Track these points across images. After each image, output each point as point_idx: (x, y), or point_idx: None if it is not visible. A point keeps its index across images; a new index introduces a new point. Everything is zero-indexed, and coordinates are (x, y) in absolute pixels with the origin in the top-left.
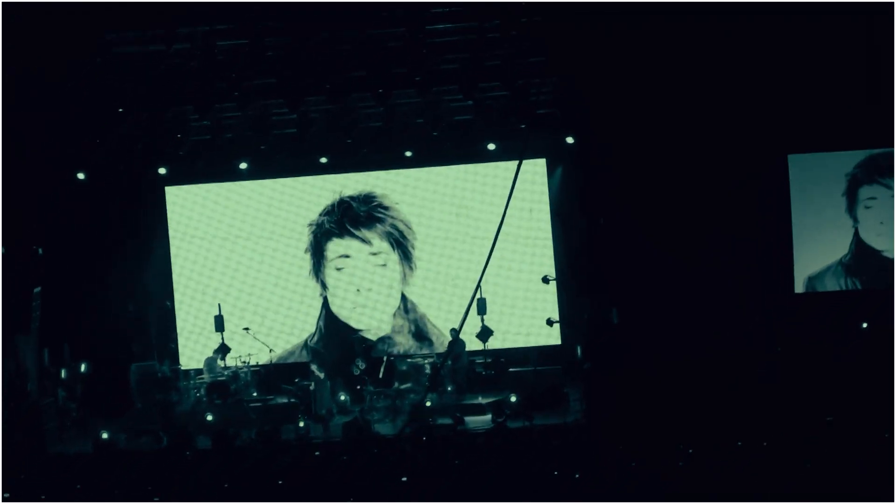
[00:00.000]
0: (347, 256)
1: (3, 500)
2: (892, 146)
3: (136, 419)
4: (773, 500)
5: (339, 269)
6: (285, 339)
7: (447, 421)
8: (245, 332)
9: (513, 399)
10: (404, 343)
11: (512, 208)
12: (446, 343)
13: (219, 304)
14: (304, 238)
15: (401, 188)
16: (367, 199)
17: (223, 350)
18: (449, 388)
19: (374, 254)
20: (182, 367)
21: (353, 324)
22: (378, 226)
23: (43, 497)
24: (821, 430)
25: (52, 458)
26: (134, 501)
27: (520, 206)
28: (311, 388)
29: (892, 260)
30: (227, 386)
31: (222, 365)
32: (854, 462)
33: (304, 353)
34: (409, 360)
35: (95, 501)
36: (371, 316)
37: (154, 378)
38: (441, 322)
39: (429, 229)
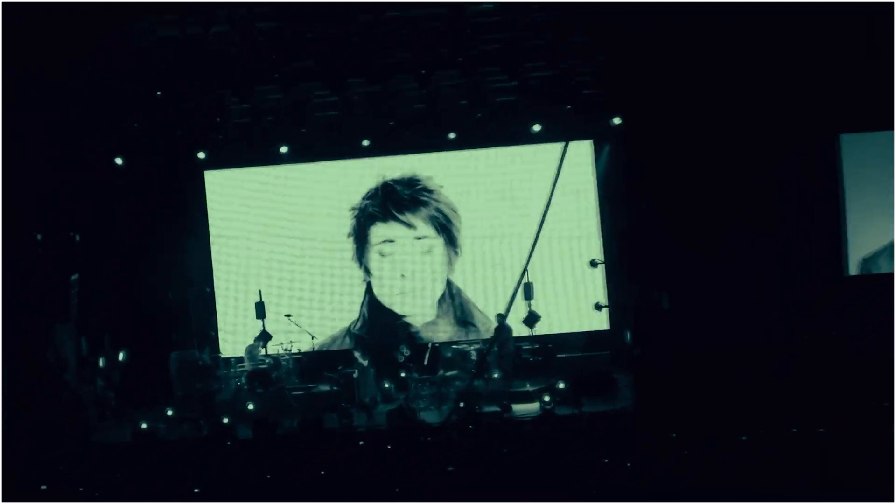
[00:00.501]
0: (391, 241)
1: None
2: None
3: (176, 408)
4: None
5: (382, 255)
6: (328, 326)
7: (494, 408)
8: (286, 318)
9: (561, 386)
10: (449, 329)
11: (558, 191)
12: (492, 329)
13: (259, 291)
14: (347, 222)
15: (445, 171)
16: (411, 183)
17: (264, 337)
18: (495, 375)
19: (419, 238)
20: (222, 355)
21: (398, 310)
22: (422, 209)
23: (81, 489)
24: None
25: (91, 448)
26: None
27: (566, 189)
28: (355, 375)
29: None
30: (268, 374)
31: (263, 353)
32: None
33: (347, 339)
34: (454, 346)
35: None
36: (415, 302)
37: (194, 366)
38: (487, 307)
39: (474, 213)
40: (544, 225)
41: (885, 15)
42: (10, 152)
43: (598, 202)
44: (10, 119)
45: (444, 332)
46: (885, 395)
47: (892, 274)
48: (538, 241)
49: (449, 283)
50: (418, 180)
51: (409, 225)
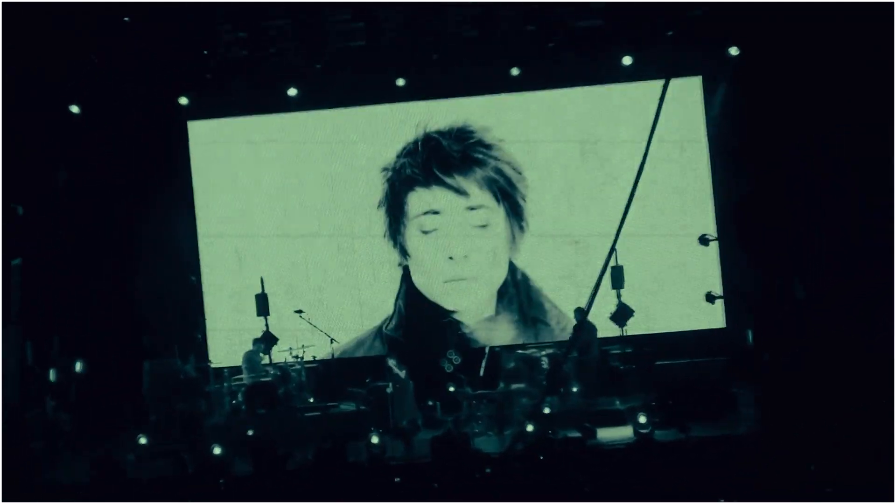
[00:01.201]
0: (436, 213)
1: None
2: None
3: (151, 436)
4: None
5: (425, 232)
6: (352, 326)
7: (573, 434)
8: (298, 316)
9: (661, 403)
10: (513, 329)
11: (656, 145)
12: (570, 329)
13: (261, 279)
14: (377, 188)
15: (506, 120)
16: (462, 135)
17: (268, 341)
18: (574, 389)
19: (473, 209)
20: (212, 365)
21: (445, 304)
22: (477, 170)
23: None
24: None
25: (38, 489)
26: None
27: (667, 142)
28: (389, 391)
29: None
30: (273, 389)
31: (267, 361)
32: None
33: (378, 343)
34: (519, 351)
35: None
36: (468, 293)
37: (175, 380)
38: (562, 300)
39: (544, 175)
40: (638, 189)
41: None
42: None
43: (709, 160)
44: None
45: (507, 332)
46: None
47: None
48: (630, 212)
49: (512, 268)
50: (471, 132)
51: (459, 191)
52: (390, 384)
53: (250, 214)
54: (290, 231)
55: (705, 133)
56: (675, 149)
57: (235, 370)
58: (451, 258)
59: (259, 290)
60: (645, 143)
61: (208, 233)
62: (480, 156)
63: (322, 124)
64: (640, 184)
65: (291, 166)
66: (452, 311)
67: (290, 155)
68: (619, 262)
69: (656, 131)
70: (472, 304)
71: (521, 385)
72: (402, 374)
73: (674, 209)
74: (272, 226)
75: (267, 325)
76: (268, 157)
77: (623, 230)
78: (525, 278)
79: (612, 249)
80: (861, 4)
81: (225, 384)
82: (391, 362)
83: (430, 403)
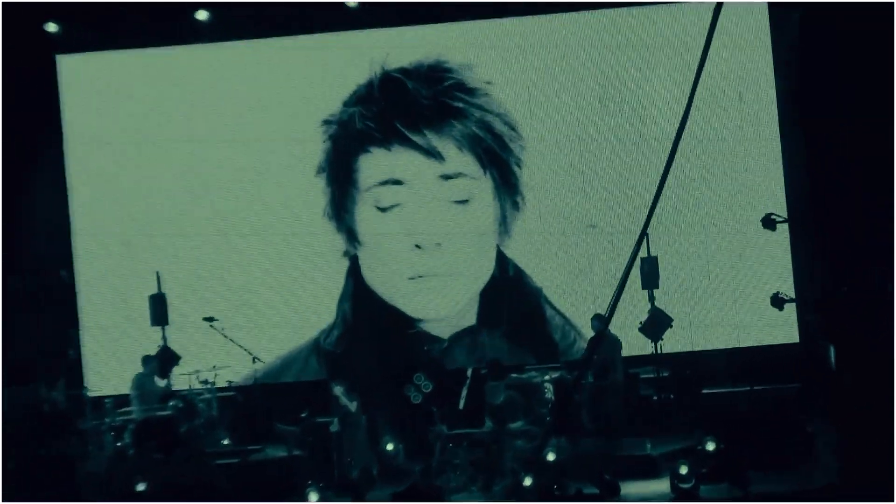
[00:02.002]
0: (398, 183)
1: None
2: None
3: (5, 487)
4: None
5: (382, 209)
6: (281, 339)
7: (588, 489)
8: (207, 325)
9: (710, 447)
10: (504, 345)
11: (704, 91)
12: (583, 344)
13: (157, 274)
14: (316, 148)
15: (495, 54)
16: (435, 76)
17: (166, 360)
18: (590, 428)
19: (449, 177)
20: (89, 393)
21: (409, 309)
22: (455, 125)
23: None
24: None
25: None
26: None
27: (718, 88)
28: (333, 429)
29: None
30: (173, 426)
31: (165, 387)
32: None
33: (315, 362)
34: (513, 375)
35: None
36: (442, 294)
37: (37, 412)
38: (573, 305)
39: (549, 132)
40: (679, 153)
41: None
42: None
43: (778, 113)
44: None
45: (495, 349)
46: None
47: None
48: (667, 183)
49: (502, 261)
50: (447, 71)
51: (430, 153)
52: (335, 420)
53: (142, 184)
54: (197, 209)
55: (773, 77)
56: (731, 97)
57: (122, 400)
58: (417, 246)
59: (154, 290)
60: (689, 90)
61: (84, 209)
62: (460, 104)
63: (241, 60)
64: (681, 145)
65: (199, 118)
66: (419, 320)
67: (198, 103)
68: (652, 253)
69: (705, 72)
70: (448, 309)
71: (517, 422)
72: (353, 405)
73: (727, 179)
74: (172, 201)
75: (165, 339)
76: (166, 105)
77: (658, 209)
78: (520, 274)
79: (643, 235)
80: None
81: (106, 419)
82: (337, 390)
83: (390, 447)
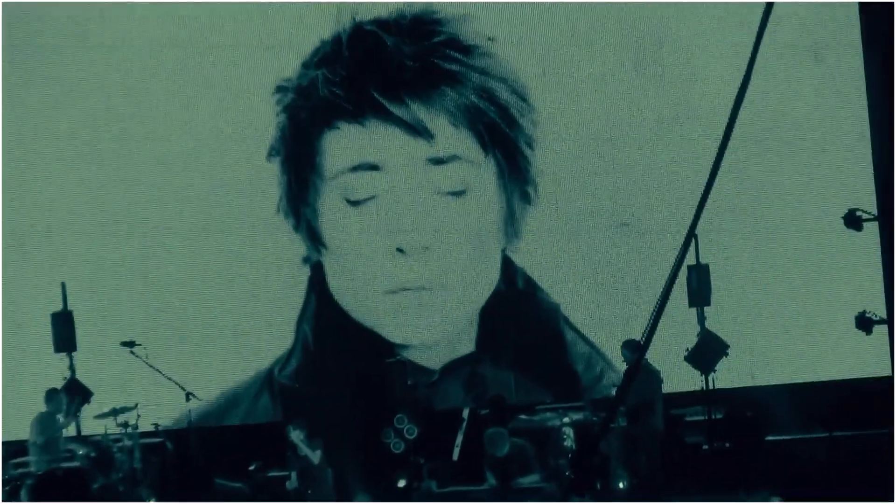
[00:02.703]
0: (375, 168)
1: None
2: None
3: None
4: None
5: (353, 202)
6: (224, 369)
7: None
8: (128, 351)
9: None
10: (510, 377)
11: (770, 54)
12: (612, 377)
13: (62, 286)
14: (268, 124)
15: (499, 4)
16: (421, 29)
17: (74, 395)
18: (621, 485)
19: (440, 162)
20: None
21: (388, 332)
22: (448, 94)
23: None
24: None
25: None
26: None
27: (789, 45)
28: (290, 485)
29: None
30: (83, 481)
31: (69, 430)
32: None
33: (268, 399)
34: (523, 417)
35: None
36: (430, 313)
37: None
38: (599, 327)
39: (569, 104)
40: (735, 131)
41: None
42: None
43: (865, 79)
44: None
45: (499, 383)
46: None
47: None
48: (720, 171)
49: (509, 270)
50: (437, 23)
51: (416, 129)
52: (292, 474)
53: (42, 171)
54: (113, 203)
55: (859, 32)
56: (806, 56)
57: (17, 447)
58: (399, 250)
59: (58, 307)
60: (748, 55)
61: None
62: (454, 66)
63: (177, 14)
64: (738, 122)
65: (118, 86)
66: (402, 346)
67: (117, 67)
68: (702, 260)
69: (771, 27)
70: (439, 332)
71: (528, 478)
72: (315, 456)
73: (799, 167)
74: (81, 192)
75: (72, 369)
76: (82, 76)
77: (709, 204)
78: (532, 288)
79: (690, 237)
80: None
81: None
82: (295, 436)
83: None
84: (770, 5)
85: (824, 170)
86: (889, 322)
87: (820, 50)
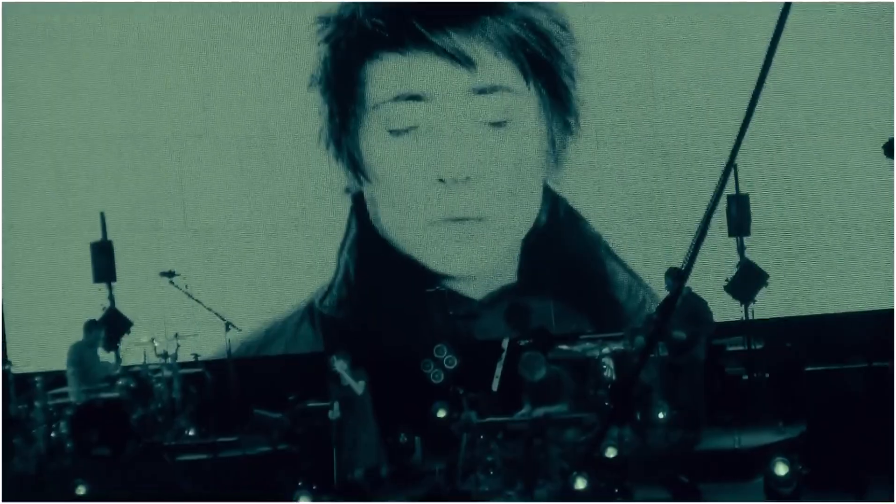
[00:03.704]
0: (417, 98)
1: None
2: None
3: None
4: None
5: (395, 132)
6: (263, 300)
7: (659, 495)
8: (167, 282)
9: (817, 441)
10: (550, 309)
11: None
12: (653, 307)
13: (101, 215)
14: (308, 54)
15: None
16: None
17: (113, 326)
18: (661, 416)
19: (483, 91)
20: (13, 369)
21: (431, 262)
22: (490, 23)
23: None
24: None
25: None
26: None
27: None
28: (332, 416)
29: None
30: (122, 412)
31: (112, 362)
32: None
33: (308, 330)
34: (562, 347)
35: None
36: (472, 243)
37: None
38: (640, 256)
39: (607, 31)
40: (777, 57)
41: None
42: None
43: None
44: None
45: (540, 314)
46: None
47: None
48: (761, 95)
49: (552, 200)
50: None
51: (458, 59)
52: (335, 404)
53: (80, 93)
54: (153, 130)
55: None
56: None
57: (56, 378)
58: (441, 180)
59: (97, 237)
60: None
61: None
62: None
63: None
64: (781, 43)
65: (157, 14)
66: (444, 276)
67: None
68: (742, 189)
69: None
70: (480, 263)
71: (564, 407)
72: (359, 386)
73: (840, 90)
74: (119, 119)
75: (112, 300)
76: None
77: (750, 132)
78: (573, 218)
79: (730, 166)
80: None
81: (36, 403)
82: (339, 366)
83: (404, 439)
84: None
85: (861, 100)
86: None
87: None
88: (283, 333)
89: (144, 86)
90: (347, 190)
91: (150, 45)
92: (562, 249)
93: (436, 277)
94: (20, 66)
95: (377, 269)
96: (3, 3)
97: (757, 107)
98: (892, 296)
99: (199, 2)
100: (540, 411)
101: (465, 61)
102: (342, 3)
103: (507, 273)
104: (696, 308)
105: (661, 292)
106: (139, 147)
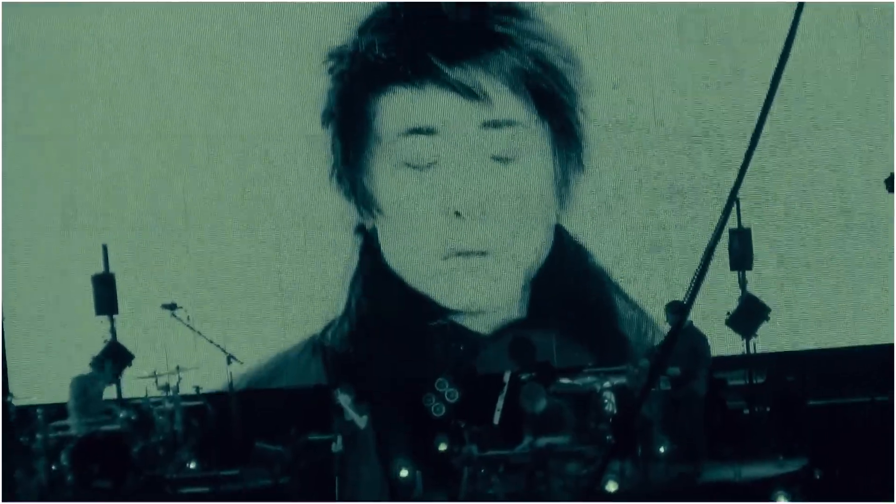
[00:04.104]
0: (430, 132)
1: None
2: None
3: None
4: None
5: (404, 166)
6: (269, 333)
7: None
8: (169, 315)
9: (816, 475)
10: (555, 343)
11: (812, 17)
12: (656, 340)
13: (103, 247)
14: (319, 90)
15: None
16: None
17: (115, 358)
18: (662, 449)
19: (497, 125)
20: (14, 401)
21: (437, 296)
22: (504, 55)
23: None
24: None
25: None
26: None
27: (832, 9)
28: (335, 449)
29: None
30: (123, 445)
31: (113, 395)
32: None
33: (313, 363)
34: (564, 381)
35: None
36: (483, 277)
37: None
38: (645, 291)
39: (609, 68)
40: (778, 93)
41: None
42: None
43: None
44: None
45: (545, 348)
46: None
47: None
48: (764, 129)
49: (561, 237)
50: None
51: (474, 93)
52: (338, 437)
53: (84, 133)
54: (157, 164)
55: None
56: (848, 17)
57: (56, 410)
58: (450, 214)
59: (99, 269)
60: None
61: (11, 153)
62: (511, 31)
63: None
64: (781, 85)
65: (166, 52)
66: (450, 310)
67: (166, 34)
68: (744, 224)
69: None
70: (485, 297)
71: (565, 439)
72: (361, 420)
73: (842, 129)
74: (124, 153)
75: (114, 333)
76: (124, 39)
77: (752, 167)
78: (582, 253)
79: (732, 200)
80: None
81: (38, 435)
82: (343, 399)
83: (405, 473)
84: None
85: (866, 133)
86: None
87: (862, 14)
88: (290, 366)
89: (147, 119)
90: (359, 225)
91: (152, 78)
92: (567, 283)
93: (442, 311)
94: (22, 101)
95: (384, 303)
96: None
97: (759, 141)
98: (892, 330)
99: (202, 34)
100: (542, 441)
101: (482, 95)
102: (356, 38)
103: (512, 307)
104: (695, 342)
105: (663, 325)
106: (141, 179)
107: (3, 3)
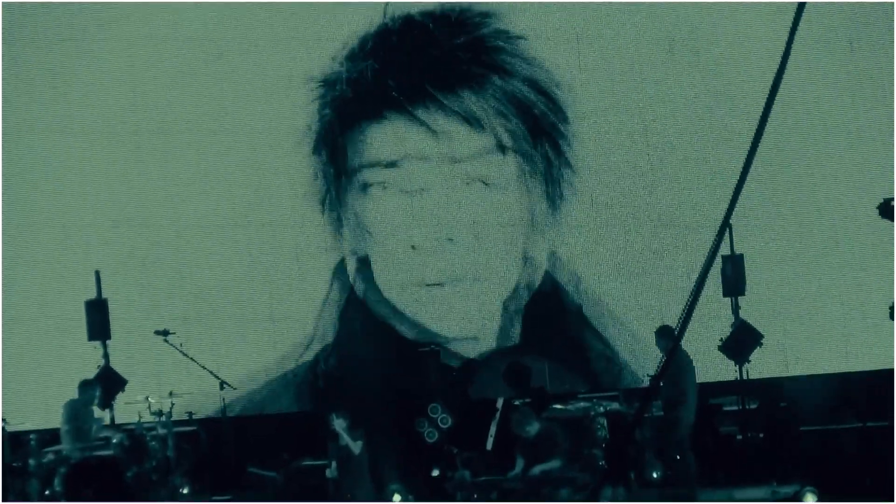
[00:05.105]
0: (423, 159)
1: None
2: None
3: None
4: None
5: (393, 192)
6: (260, 359)
7: None
8: (160, 339)
9: (810, 500)
10: (547, 368)
11: (805, 41)
12: (645, 365)
13: (96, 274)
14: (304, 118)
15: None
16: (469, 21)
17: (109, 383)
18: (655, 475)
19: (489, 153)
20: (8, 427)
21: (427, 322)
22: (499, 85)
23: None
24: None
25: None
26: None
27: (824, 36)
28: (329, 474)
29: None
30: (116, 470)
31: (104, 419)
32: None
33: (305, 388)
34: (556, 406)
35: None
36: (463, 304)
37: None
38: (635, 316)
39: (599, 94)
40: (770, 120)
41: None
42: None
43: None
44: None
45: (536, 374)
46: None
47: None
48: (756, 156)
49: (549, 261)
50: (484, 14)
51: (468, 119)
52: (332, 462)
53: (78, 163)
54: (154, 190)
55: (894, 21)
56: (839, 43)
57: (48, 436)
58: (450, 240)
59: (92, 294)
60: (785, 37)
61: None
62: (505, 57)
63: (210, 9)
64: (774, 111)
65: (153, 81)
66: (440, 336)
67: (151, 63)
68: (737, 250)
69: (807, 15)
70: (471, 323)
71: (558, 462)
72: (356, 446)
73: (834, 155)
74: (122, 179)
75: (106, 358)
76: (110, 68)
77: (744, 194)
78: (569, 279)
79: (725, 226)
80: None
81: (31, 460)
82: (338, 424)
83: (397, 499)
84: (802, 4)
85: (858, 160)
86: None
87: (854, 40)
88: (282, 392)
89: (139, 142)
90: (352, 252)
91: (145, 107)
92: (556, 311)
93: (432, 337)
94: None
95: (372, 330)
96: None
97: (752, 167)
98: (890, 356)
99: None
100: (536, 470)
101: (476, 122)
102: (348, 65)
103: (503, 333)
104: (680, 368)
105: (654, 354)
106: (134, 205)
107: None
